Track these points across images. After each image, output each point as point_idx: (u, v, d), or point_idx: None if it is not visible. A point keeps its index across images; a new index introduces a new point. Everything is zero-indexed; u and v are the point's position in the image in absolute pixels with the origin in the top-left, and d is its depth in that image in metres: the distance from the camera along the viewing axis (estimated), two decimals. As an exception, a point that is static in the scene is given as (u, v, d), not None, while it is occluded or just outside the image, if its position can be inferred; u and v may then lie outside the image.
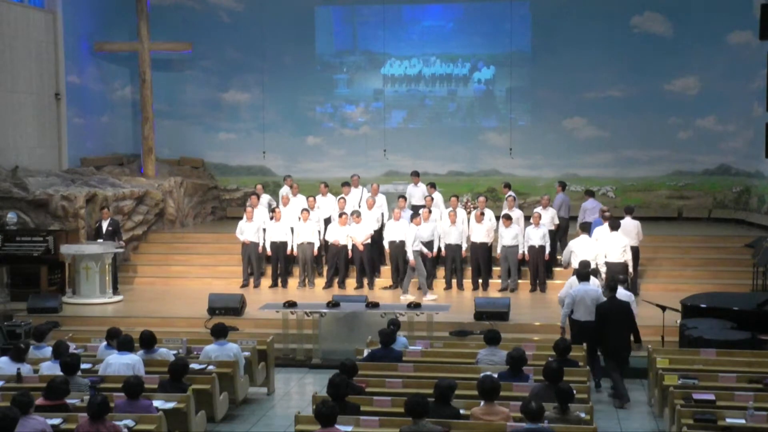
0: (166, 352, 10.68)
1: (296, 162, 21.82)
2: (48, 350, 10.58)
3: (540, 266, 16.07)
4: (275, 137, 22.20)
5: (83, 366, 9.93)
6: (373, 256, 16.75)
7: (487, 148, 21.99)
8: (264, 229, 16.82)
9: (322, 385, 10.39)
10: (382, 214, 17.08)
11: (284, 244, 16.67)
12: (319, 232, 16.80)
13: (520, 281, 16.28)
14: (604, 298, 12.18)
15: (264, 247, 16.77)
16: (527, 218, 16.74)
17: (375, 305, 13.49)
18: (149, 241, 19.08)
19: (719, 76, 20.77)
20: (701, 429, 8.36)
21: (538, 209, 16.63)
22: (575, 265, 14.12)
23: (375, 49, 22.08)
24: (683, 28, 20.96)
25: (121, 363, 9.88)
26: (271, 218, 17.00)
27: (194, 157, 22.63)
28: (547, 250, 16.02)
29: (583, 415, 8.36)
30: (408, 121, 22.39)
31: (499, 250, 16.27)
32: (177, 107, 22.53)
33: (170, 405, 9.09)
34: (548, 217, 16.47)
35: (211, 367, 10.55)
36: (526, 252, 16.01)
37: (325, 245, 16.80)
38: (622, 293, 12.17)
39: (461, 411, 8.31)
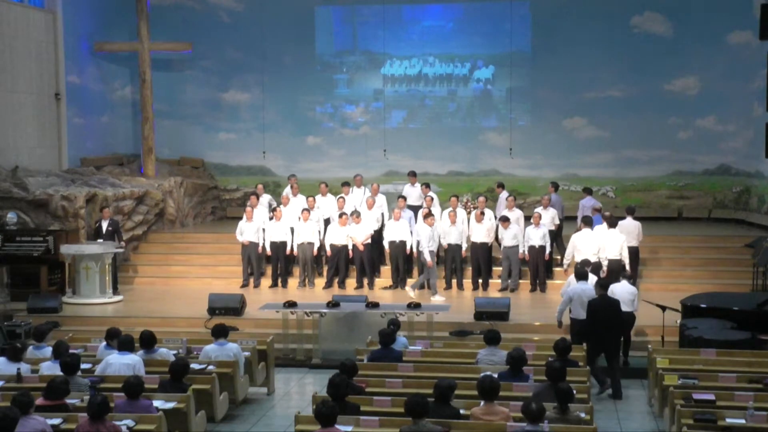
0: (166, 352, 10.68)
1: (296, 162, 21.81)
2: (48, 350, 10.57)
3: (540, 266, 16.07)
4: (275, 137, 22.20)
5: (83, 366, 9.92)
6: (373, 256, 16.75)
7: (487, 148, 21.99)
8: (264, 229, 16.82)
9: (322, 385, 10.39)
10: (382, 214, 17.08)
11: (284, 244, 16.67)
12: (319, 232, 16.80)
13: (520, 281, 16.28)
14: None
15: (264, 247, 16.77)
16: (527, 218, 16.75)
17: (375, 305, 13.49)
18: (149, 241, 19.08)
19: (719, 76, 20.77)
20: (701, 429, 8.36)
21: (539, 209, 16.64)
22: (578, 259, 14.22)
23: (375, 49, 22.08)
24: (683, 28, 20.96)
25: (121, 363, 9.88)
26: (271, 218, 17.00)
27: (194, 157, 22.64)
28: (548, 250, 16.02)
29: (583, 415, 8.36)
30: (408, 121, 22.39)
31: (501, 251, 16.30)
32: (177, 107, 22.53)
33: (170, 405, 9.09)
34: (548, 217, 16.47)
35: (211, 367, 10.55)
36: (526, 252, 16.01)
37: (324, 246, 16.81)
38: (625, 288, 12.27)
39: (461, 411, 8.32)
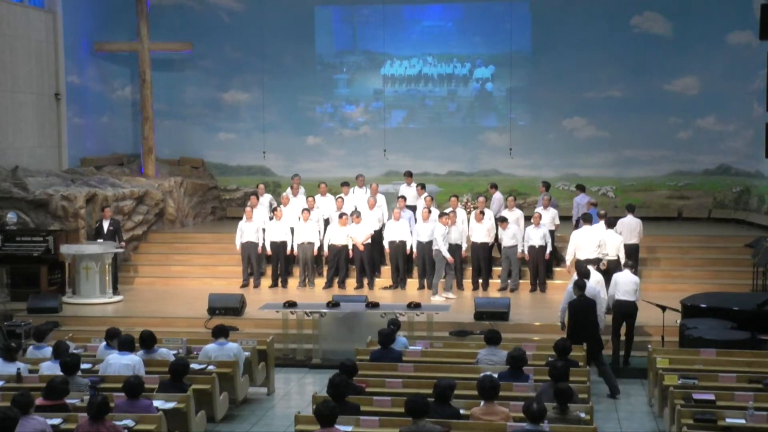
0: (166, 352, 10.68)
1: (296, 162, 21.78)
2: (48, 350, 10.58)
3: (540, 266, 16.07)
4: (275, 137, 22.19)
5: (83, 366, 9.93)
6: (373, 256, 16.75)
7: (487, 148, 21.98)
8: (263, 229, 16.81)
9: (322, 385, 10.39)
10: (383, 214, 17.07)
11: (284, 244, 16.67)
12: (319, 232, 16.80)
13: (520, 281, 16.28)
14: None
15: (264, 247, 16.77)
16: (527, 218, 16.74)
17: (375, 305, 13.49)
18: (149, 241, 19.08)
19: (719, 76, 20.76)
20: (701, 429, 8.36)
21: (539, 209, 16.63)
22: (579, 257, 14.27)
23: (375, 49, 22.07)
24: (683, 28, 20.94)
25: (121, 363, 9.88)
26: (271, 218, 17.00)
27: (194, 157, 22.63)
28: (548, 250, 16.02)
29: (583, 415, 8.36)
30: (408, 121, 22.39)
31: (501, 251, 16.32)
32: (177, 107, 22.52)
33: (170, 405, 9.09)
34: (549, 217, 16.47)
35: (211, 367, 10.55)
36: (526, 251, 16.00)
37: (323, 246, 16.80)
38: (628, 277, 12.34)
39: (461, 411, 8.32)
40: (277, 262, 16.85)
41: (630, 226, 15.64)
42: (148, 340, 10.56)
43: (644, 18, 21.21)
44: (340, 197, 17.06)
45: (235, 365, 10.70)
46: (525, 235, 16.05)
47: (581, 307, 11.51)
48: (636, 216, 16.08)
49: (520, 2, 21.53)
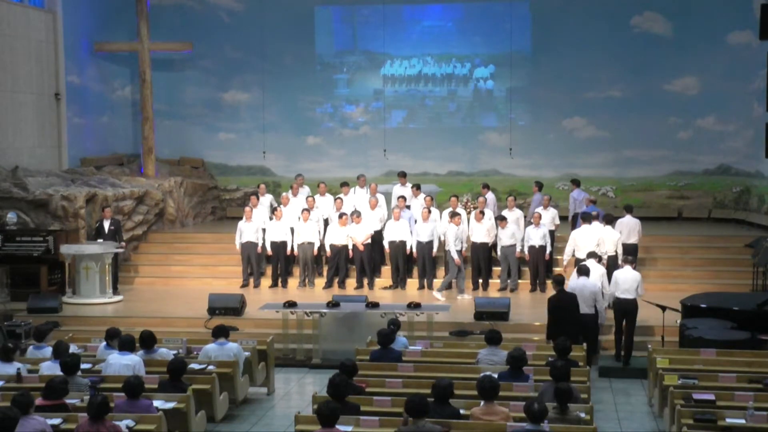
0: (166, 352, 10.69)
1: (296, 162, 21.76)
2: (48, 350, 10.58)
3: (540, 266, 16.07)
4: (275, 137, 22.19)
5: (83, 366, 9.93)
6: (373, 256, 16.75)
7: (487, 148, 21.97)
8: (263, 230, 16.82)
9: (322, 385, 10.39)
10: (384, 215, 17.07)
11: (284, 244, 16.67)
12: (319, 232, 16.80)
13: (520, 281, 16.28)
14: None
15: (264, 247, 16.77)
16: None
17: (375, 305, 13.49)
18: (149, 241, 19.08)
19: (719, 76, 20.75)
20: (701, 429, 8.36)
21: (539, 209, 16.63)
22: (579, 255, 14.27)
23: (375, 49, 22.07)
24: (683, 28, 20.93)
25: (121, 363, 9.88)
26: (271, 218, 17.00)
27: (194, 157, 22.62)
28: (548, 249, 16.02)
29: (583, 415, 8.36)
30: (408, 121, 22.39)
31: (499, 251, 16.30)
32: (177, 107, 22.52)
33: (170, 405, 9.09)
34: (549, 217, 16.48)
35: (211, 367, 10.55)
36: (525, 251, 16.00)
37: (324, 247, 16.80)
38: (629, 274, 12.31)
39: (461, 411, 8.32)
40: (277, 262, 16.85)
41: (629, 226, 15.72)
42: (148, 340, 10.57)
43: (644, 18, 21.21)
44: (339, 198, 17.06)
45: (235, 365, 10.70)
46: (525, 235, 16.06)
47: (560, 304, 11.53)
48: (635, 216, 16.12)
49: (520, 2, 21.52)
